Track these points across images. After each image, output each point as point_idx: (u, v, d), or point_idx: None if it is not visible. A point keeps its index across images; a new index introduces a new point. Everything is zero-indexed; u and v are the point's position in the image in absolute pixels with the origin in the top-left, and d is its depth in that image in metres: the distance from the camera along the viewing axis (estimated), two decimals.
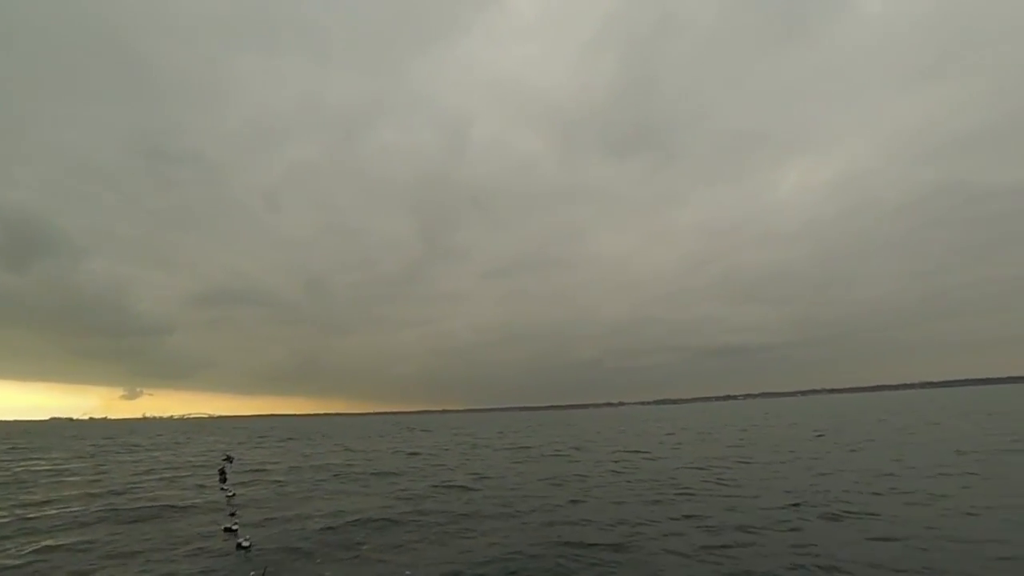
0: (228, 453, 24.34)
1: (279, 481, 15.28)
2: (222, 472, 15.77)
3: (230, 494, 12.55)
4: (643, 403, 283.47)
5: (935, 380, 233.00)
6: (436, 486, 13.40)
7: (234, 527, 8.89)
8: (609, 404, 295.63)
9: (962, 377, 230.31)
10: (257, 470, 18.18)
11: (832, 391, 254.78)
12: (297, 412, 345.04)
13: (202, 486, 14.38)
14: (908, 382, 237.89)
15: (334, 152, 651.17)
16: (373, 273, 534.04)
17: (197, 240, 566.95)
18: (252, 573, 6.60)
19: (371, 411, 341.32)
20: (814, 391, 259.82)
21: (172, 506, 11.27)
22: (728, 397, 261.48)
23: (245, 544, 7.82)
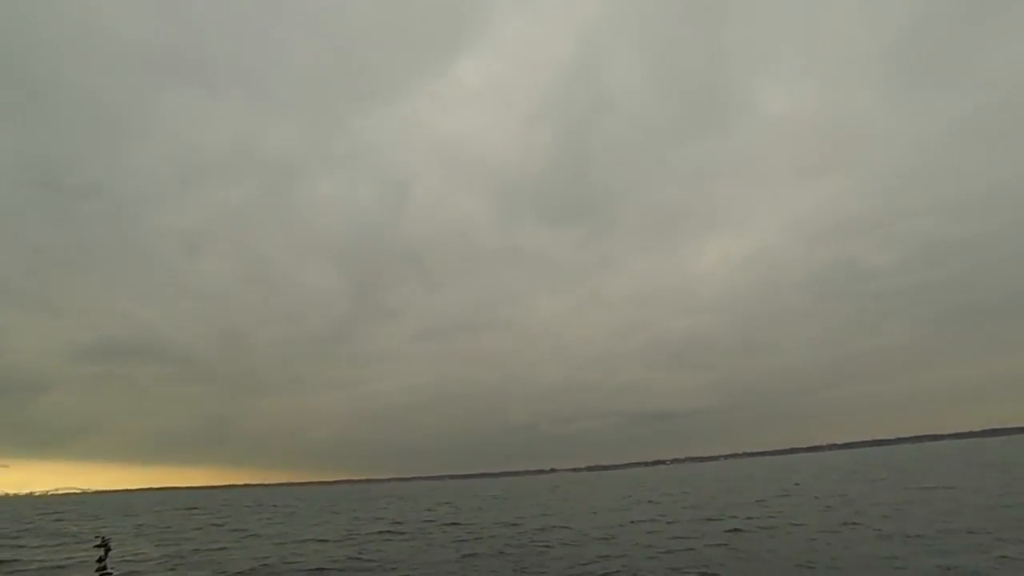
0: (104, 537, 20.24)
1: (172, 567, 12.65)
2: (101, 564, 12.86)
3: None
4: (575, 469, 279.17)
5: (838, 442, 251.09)
6: None
7: None
8: (541, 471, 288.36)
9: (859, 439, 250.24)
10: (141, 561, 15.09)
11: (752, 454, 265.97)
12: (201, 484, 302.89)
13: None
14: (817, 444, 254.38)
15: (265, 200, 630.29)
16: (298, 329, 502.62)
17: (93, 284, 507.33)
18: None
19: (287, 482, 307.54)
20: (736, 455, 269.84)
21: None
22: (658, 462, 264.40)
23: None
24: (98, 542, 17.66)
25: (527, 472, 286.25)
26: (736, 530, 15.75)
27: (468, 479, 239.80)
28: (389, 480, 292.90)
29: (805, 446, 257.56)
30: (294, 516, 31.96)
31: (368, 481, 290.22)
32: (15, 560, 15.77)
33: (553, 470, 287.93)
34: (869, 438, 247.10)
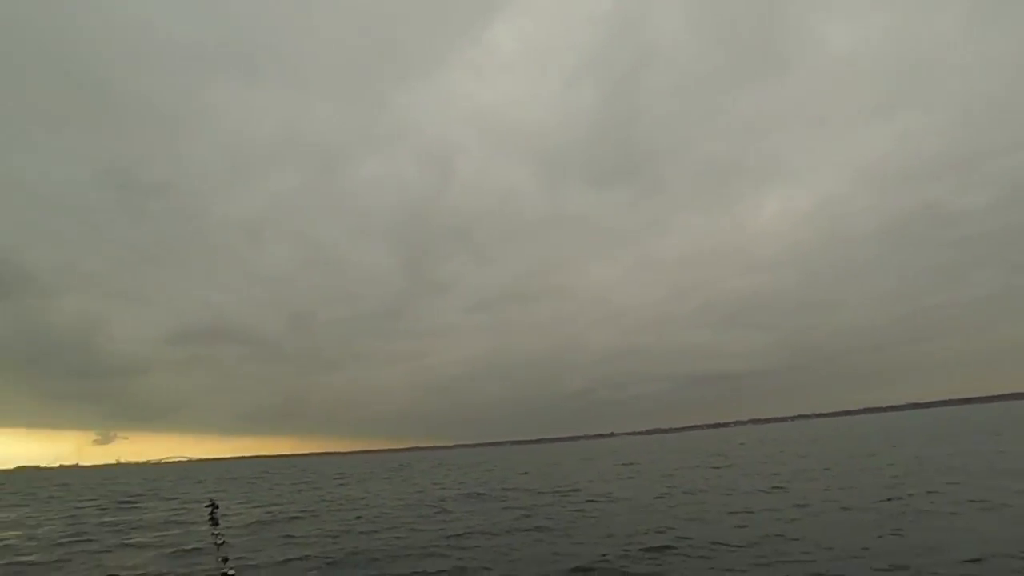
0: (212, 499, 23.31)
1: (267, 523, 14.66)
2: (212, 518, 15.15)
3: (220, 542, 12.06)
4: (634, 433, 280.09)
5: (920, 402, 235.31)
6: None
7: (230, 572, 8.63)
8: (600, 435, 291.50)
9: (945, 398, 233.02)
10: (244, 514, 17.46)
11: (821, 415, 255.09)
12: (282, 452, 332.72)
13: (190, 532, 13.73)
14: (895, 404, 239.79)
15: (316, 184, 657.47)
16: (357, 308, 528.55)
17: (172, 274, 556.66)
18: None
19: (359, 449, 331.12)
20: (803, 416, 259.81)
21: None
22: (718, 425, 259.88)
23: (231, 574, 8.01)
24: (207, 502, 20.51)
25: (587, 437, 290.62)
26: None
27: (529, 444, 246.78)
28: (454, 447, 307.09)
29: (882, 405, 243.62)
30: (375, 481, 34.94)
31: (435, 448, 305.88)
32: (142, 516, 18.74)
33: (613, 434, 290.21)
34: (955, 396, 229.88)
